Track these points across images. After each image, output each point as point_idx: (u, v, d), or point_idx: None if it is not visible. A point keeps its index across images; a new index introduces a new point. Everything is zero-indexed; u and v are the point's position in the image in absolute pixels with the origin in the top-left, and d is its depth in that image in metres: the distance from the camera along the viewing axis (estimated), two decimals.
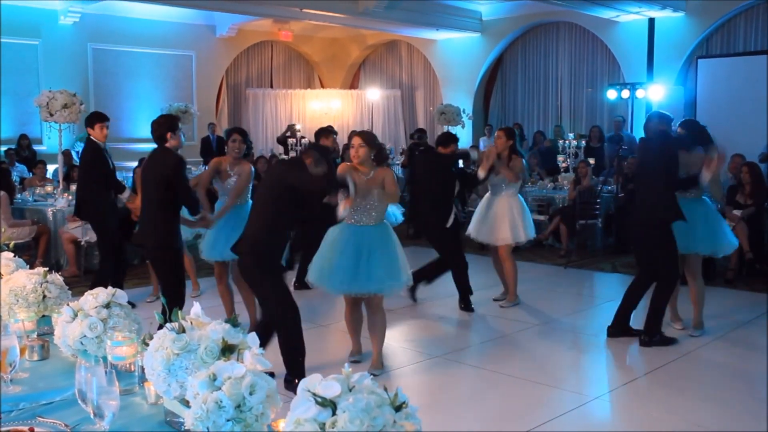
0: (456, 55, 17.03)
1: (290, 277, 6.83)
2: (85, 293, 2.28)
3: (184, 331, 1.82)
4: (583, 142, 12.01)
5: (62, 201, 8.73)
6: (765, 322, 6.44)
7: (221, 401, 1.54)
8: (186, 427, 1.63)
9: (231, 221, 5.67)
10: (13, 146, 12.79)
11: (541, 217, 10.12)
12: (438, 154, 6.97)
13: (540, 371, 5.31)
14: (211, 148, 14.23)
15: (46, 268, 2.64)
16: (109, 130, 6.85)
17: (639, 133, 11.57)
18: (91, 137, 6.74)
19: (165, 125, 5.28)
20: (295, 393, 1.46)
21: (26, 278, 2.55)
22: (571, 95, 15.89)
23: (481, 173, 6.74)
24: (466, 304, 6.95)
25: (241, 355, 1.76)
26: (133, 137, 14.48)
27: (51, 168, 11.27)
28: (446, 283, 7.03)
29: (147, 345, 1.90)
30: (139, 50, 15.32)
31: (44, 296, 2.54)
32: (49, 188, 9.67)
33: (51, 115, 8.46)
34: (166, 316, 1.89)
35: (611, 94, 12.19)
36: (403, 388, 1.47)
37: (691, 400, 4.77)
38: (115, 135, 10.22)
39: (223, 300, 6.11)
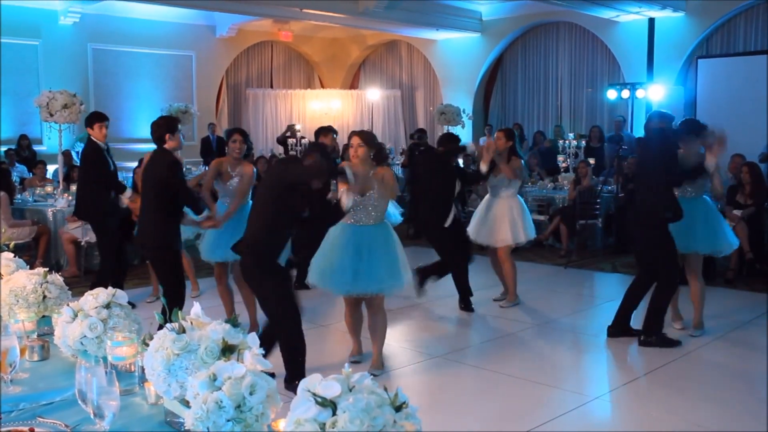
0: (456, 55, 17.03)
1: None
2: (85, 293, 2.28)
3: (184, 331, 1.82)
4: (583, 142, 11.99)
5: (62, 201, 8.73)
6: (765, 322, 6.44)
7: (221, 401, 1.54)
8: (186, 428, 1.63)
9: (231, 222, 5.68)
10: (13, 146, 12.78)
11: (541, 217, 10.13)
12: (438, 154, 6.97)
13: (540, 371, 5.31)
14: (211, 148, 14.23)
15: (46, 269, 2.64)
16: (109, 130, 6.88)
17: (639, 133, 11.59)
18: (92, 137, 6.77)
19: (164, 127, 5.30)
20: (295, 393, 1.46)
21: (26, 279, 2.55)
22: (571, 95, 15.88)
23: (483, 167, 6.73)
24: (466, 305, 6.95)
25: (241, 356, 1.76)
26: (133, 137, 14.47)
27: (51, 168, 11.26)
28: (446, 283, 7.02)
29: (147, 345, 1.90)
30: (139, 50, 15.32)
31: (44, 296, 2.54)
32: (49, 188, 9.67)
33: (51, 115, 8.45)
34: (166, 317, 1.89)
35: (611, 94, 12.20)
36: (403, 388, 1.47)
37: (691, 400, 4.77)
38: (115, 135, 10.24)
39: (223, 300, 6.11)
